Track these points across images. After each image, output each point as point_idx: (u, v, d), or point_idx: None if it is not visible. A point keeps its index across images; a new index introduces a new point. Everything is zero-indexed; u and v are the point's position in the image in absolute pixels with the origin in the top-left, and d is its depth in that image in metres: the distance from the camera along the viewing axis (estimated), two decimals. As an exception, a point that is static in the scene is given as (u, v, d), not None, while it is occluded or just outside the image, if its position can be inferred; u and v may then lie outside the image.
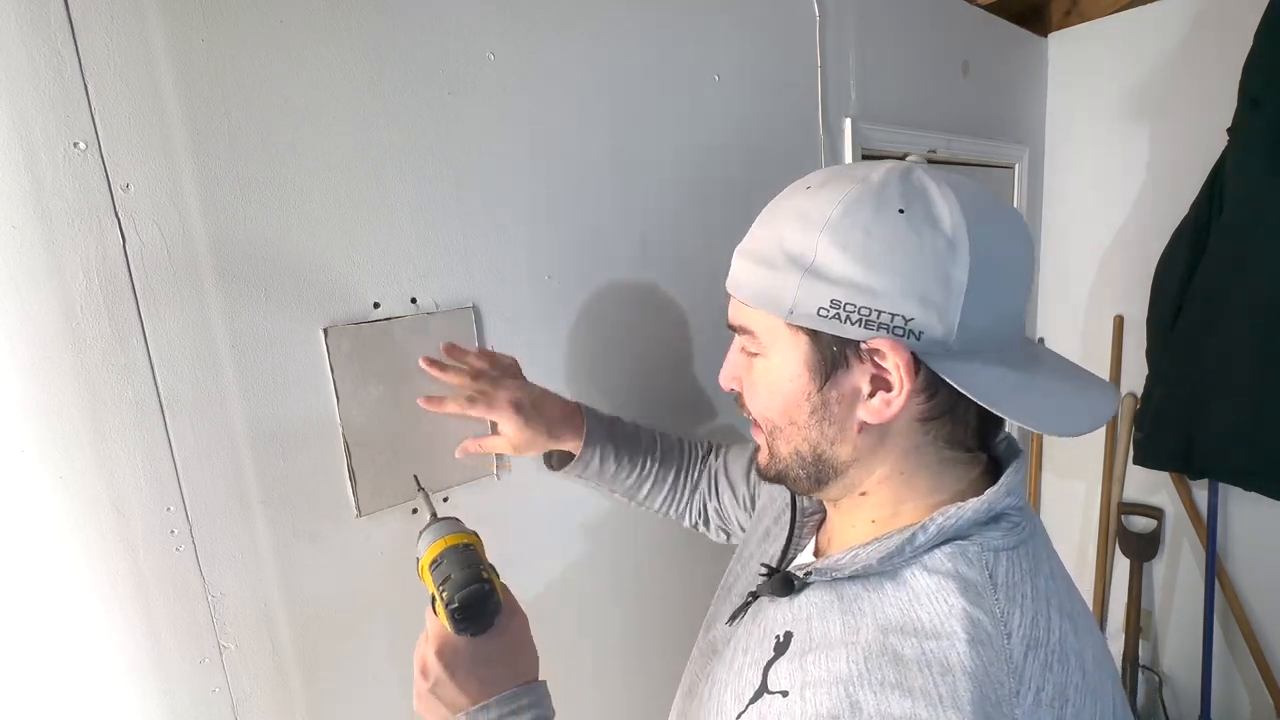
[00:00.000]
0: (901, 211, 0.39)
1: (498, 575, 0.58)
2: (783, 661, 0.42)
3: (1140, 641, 1.88)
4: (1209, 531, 1.69)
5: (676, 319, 0.99)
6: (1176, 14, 1.62)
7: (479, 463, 0.78)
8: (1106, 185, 1.80)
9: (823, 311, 0.40)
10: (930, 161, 1.49)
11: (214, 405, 0.60)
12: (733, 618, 0.53)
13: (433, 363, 0.71)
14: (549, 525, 0.89)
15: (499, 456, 0.80)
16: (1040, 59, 1.85)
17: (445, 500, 0.76)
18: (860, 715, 0.35)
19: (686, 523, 0.85)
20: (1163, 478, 1.77)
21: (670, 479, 0.82)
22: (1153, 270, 1.59)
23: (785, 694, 0.40)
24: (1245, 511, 1.68)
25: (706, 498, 0.83)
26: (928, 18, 1.43)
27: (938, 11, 1.46)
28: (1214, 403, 1.46)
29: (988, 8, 1.60)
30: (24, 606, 0.53)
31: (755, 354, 0.47)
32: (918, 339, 0.39)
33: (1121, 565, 1.89)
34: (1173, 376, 1.55)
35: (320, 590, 0.68)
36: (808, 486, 0.48)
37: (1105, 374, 1.83)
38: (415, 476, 0.72)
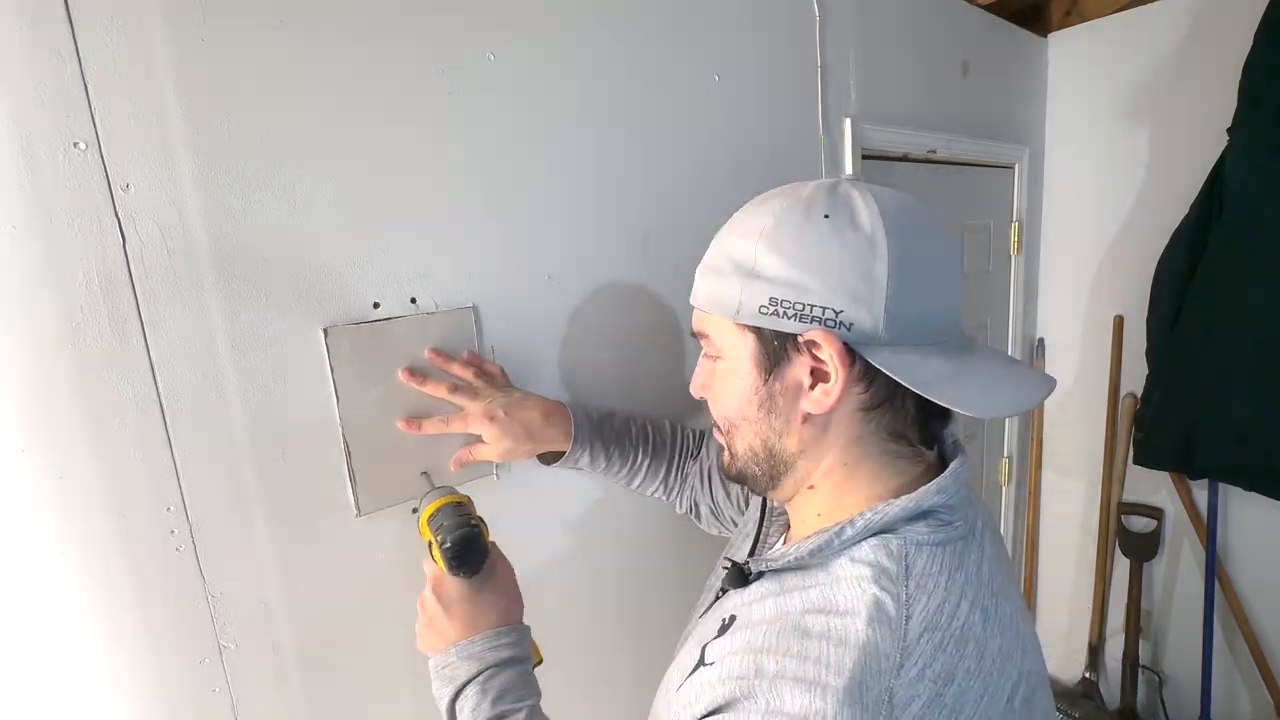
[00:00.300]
0: (827, 217, 0.44)
1: (486, 527, 0.65)
2: (721, 640, 0.47)
3: (1140, 641, 1.88)
4: (1209, 531, 1.69)
5: (676, 318, 0.99)
6: (1176, 14, 1.62)
7: (480, 464, 0.78)
8: (1106, 185, 1.80)
9: (763, 309, 0.45)
10: (930, 162, 1.50)
11: (214, 405, 0.60)
12: (705, 612, 0.57)
13: (413, 374, 0.71)
14: (549, 524, 0.89)
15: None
16: (1040, 59, 1.85)
17: (445, 500, 0.76)
18: (762, 678, 0.40)
19: (680, 510, 0.88)
20: (1163, 478, 1.77)
21: (662, 472, 0.85)
22: (1153, 270, 1.59)
23: (711, 664, 0.45)
24: (1245, 511, 1.68)
25: (698, 491, 0.85)
26: (928, 18, 1.43)
27: (938, 11, 1.46)
28: (1214, 403, 1.47)
29: (988, 8, 1.60)
30: (24, 606, 0.53)
31: (715, 358, 0.51)
32: (849, 330, 0.43)
33: (1121, 565, 1.89)
34: (1173, 376, 1.55)
35: (320, 590, 0.68)
36: (765, 484, 0.52)
37: (1105, 374, 1.84)
38: (424, 473, 0.73)
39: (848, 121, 1.23)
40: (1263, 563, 1.68)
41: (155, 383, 0.56)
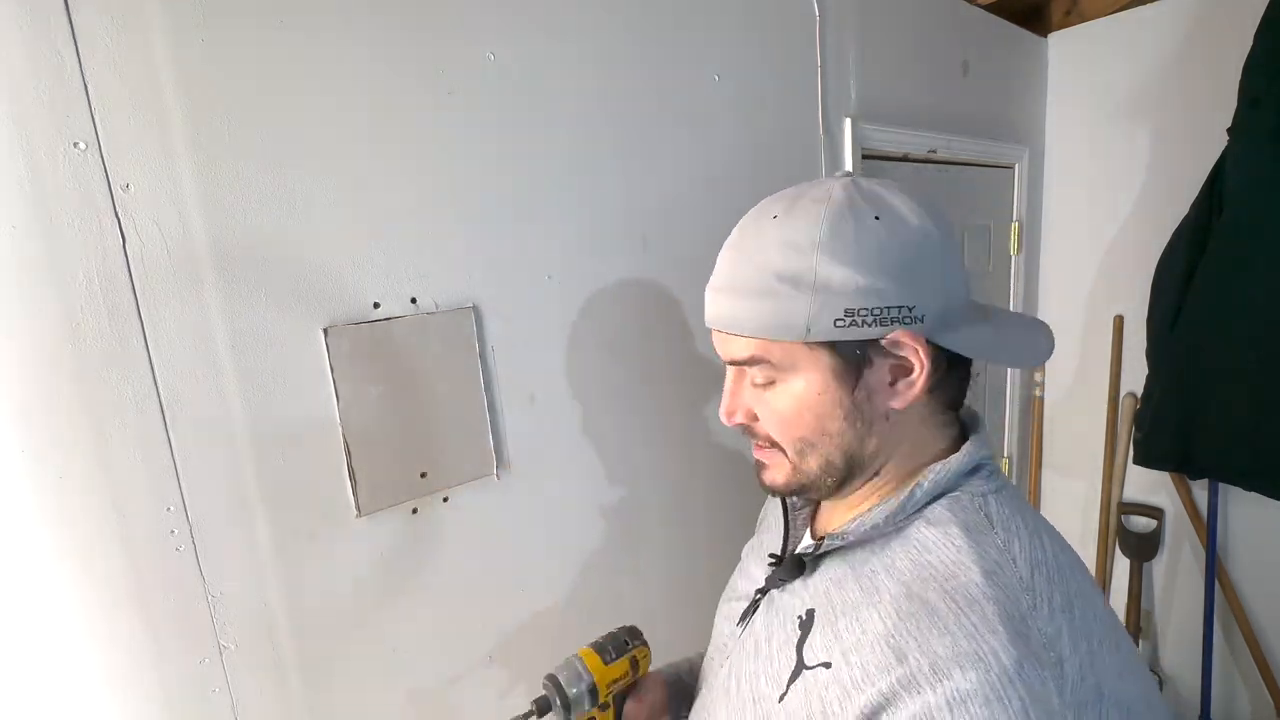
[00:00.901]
0: (878, 218, 0.44)
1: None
2: (814, 636, 0.45)
3: (1140, 641, 1.88)
4: (1209, 531, 1.68)
5: (677, 318, 0.99)
6: (1176, 14, 1.62)
7: (480, 464, 0.78)
8: (1106, 185, 1.80)
9: (839, 322, 0.43)
10: (930, 162, 1.50)
11: (214, 405, 0.60)
12: (742, 618, 0.55)
13: None
14: (550, 524, 0.88)
15: (500, 459, 0.80)
16: (1040, 59, 1.85)
17: (445, 500, 0.76)
18: (907, 662, 0.38)
19: None
20: (1163, 478, 1.77)
21: None
22: (1153, 270, 1.58)
23: (828, 665, 0.43)
24: (1245, 511, 1.68)
25: None
26: (928, 18, 1.43)
27: (938, 11, 1.46)
28: (1214, 403, 1.46)
29: (988, 8, 1.60)
30: (24, 606, 0.53)
31: (770, 382, 0.48)
32: (922, 322, 0.44)
33: (1121, 565, 1.89)
34: (1172, 376, 1.55)
35: (320, 590, 0.68)
36: (828, 492, 0.50)
37: (1105, 374, 1.84)
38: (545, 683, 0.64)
39: (848, 121, 1.23)
40: (1263, 563, 1.68)
41: (155, 383, 0.56)
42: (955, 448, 0.49)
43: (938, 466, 0.46)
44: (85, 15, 0.51)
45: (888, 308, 0.43)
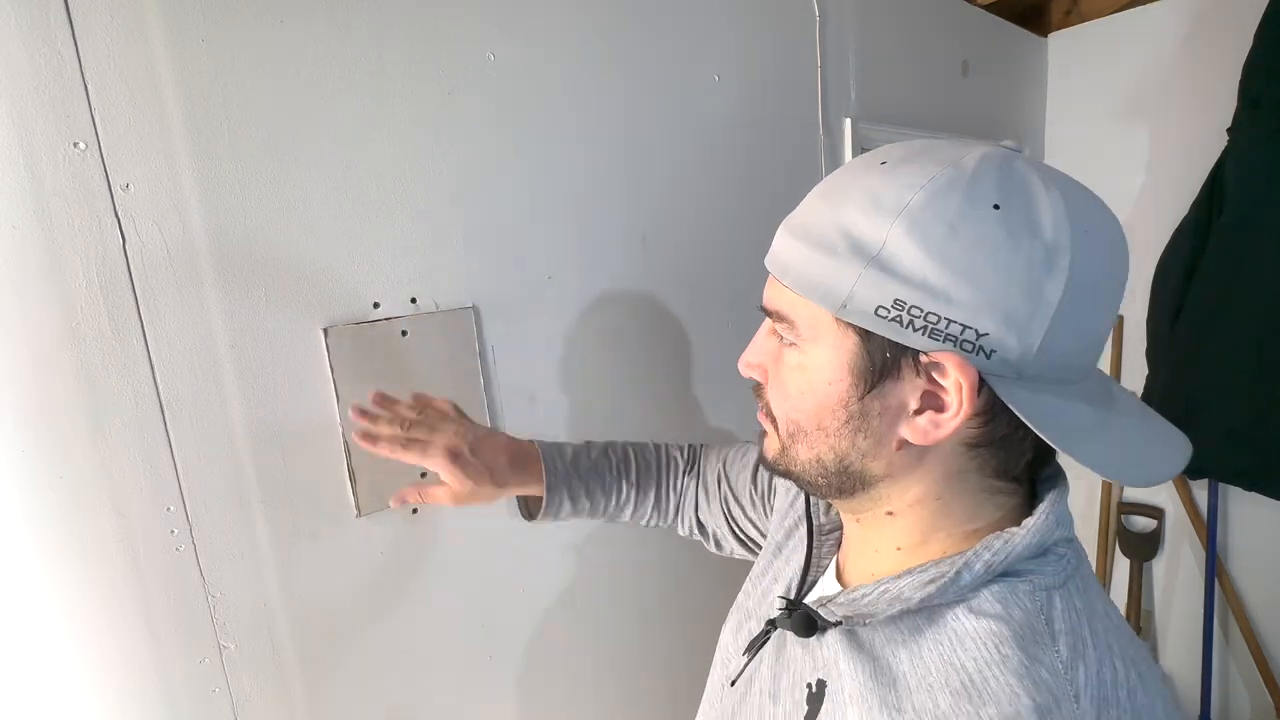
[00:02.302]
0: (997, 208, 0.33)
1: None
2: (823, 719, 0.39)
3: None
4: (1209, 531, 1.68)
5: (676, 319, 0.99)
6: (1176, 14, 1.62)
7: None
8: (1106, 185, 1.78)
9: (882, 311, 0.34)
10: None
11: (214, 405, 0.60)
12: (750, 647, 0.50)
13: (362, 412, 0.64)
14: (548, 524, 0.88)
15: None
16: (1040, 59, 1.85)
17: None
18: None
19: (682, 532, 0.79)
20: (1163, 478, 1.77)
21: (651, 499, 0.75)
22: (1153, 270, 1.59)
23: None
24: (1245, 511, 1.68)
25: (697, 509, 0.76)
26: (928, 18, 1.43)
27: (938, 11, 1.46)
28: (1214, 403, 1.46)
29: (988, 8, 1.60)
30: (24, 606, 0.53)
31: (790, 344, 0.41)
32: (988, 358, 0.34)
33: (1121, 565, 1.89)
34: (1173, 376, 1.55)
35: (320, 590, 0.68)
36: (825, 493, 0.43)
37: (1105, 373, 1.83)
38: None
39: (848, 121, 1.23)
40: (1263, 563, 1.68)
41: (155, 382, 0.56)
42: (1015, 518, 0.39)
43: (997, 544, 0.36)
44: (85, 15, 0.51)
45: (948, 320, 0.33)
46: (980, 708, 0.32)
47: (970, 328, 0.33)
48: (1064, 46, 1.83)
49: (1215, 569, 1.69)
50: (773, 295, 0.41)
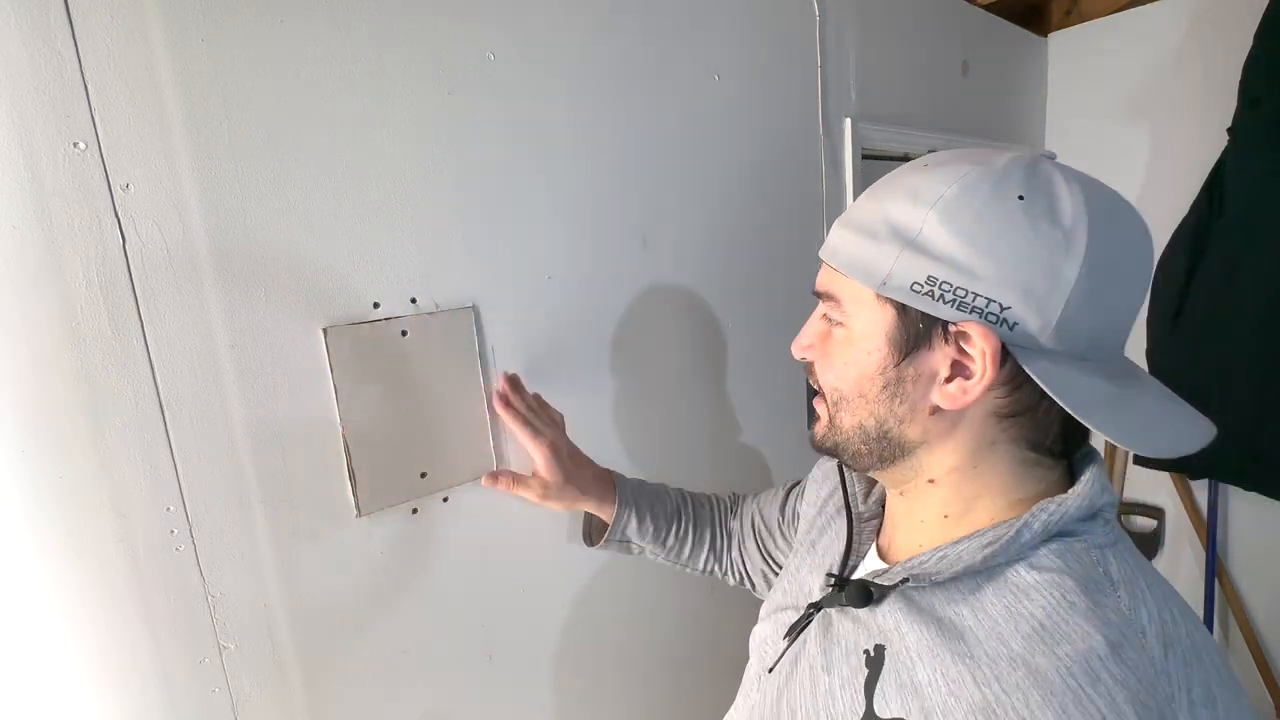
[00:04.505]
0: (1021, 199, 0.38)
1: None
2: (886, 681, 0.40)
3: (1140, 641, 1.87)
4: (1209, 531, 1.69)
5: (677, 318, 0.99)
6: (1176, 14, 1.62)
7: (480, 464, 0.78)
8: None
9: (916, 286, 0.39)
10: (930, 161, 1.50)
11: (214, 405, 0.60)
12: (790, 631, 0.52)
13: (511, 380, 0.76)
14: (550, 524, 0.88)
15: (500, 458, 0.80)
16: (1040, 59, 1.85)
17: (445, 500, 0.76)
18: None
19: (732, 581, 0.82)
20: (1163, 478, 1.77)
21: (708, 535, 0.81)
22: (1152, 271, 1.58)
23: None
24: (1245, 511, 1.68)
25: (743, 550, 0.79)
26: (928, 18, 1.43)
27: (938, 11, 1.46)
28: (1214, 403, 1.46)
29: (988, 8, 1.60)
30: (24, 606, 0.53)
31: (837, 323, 0.45)
32: (1010, 329, 0.38)
33: (1121, 565, 1.89)
34: (1173, 377, 1.54)
35: (320, 590, 0.68)
36: (868, 463, 0.46)
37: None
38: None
39: (848, 121, 1.23)
40: (1263, 563, 1.68)
41: (155, 383, 0.56)
42: (1057, 491, 0.41)
43: (1052, 505, 0.39)
44: (85, 15, 0.51)
45: (974, 294, 0.37)
46: (1054, 646, 0.34)
47: (994, 300, 0.37)
48: (1064, 46, 1.83)
49: (1215, 569, 1.69)
50: (824, 278, 0.47)
